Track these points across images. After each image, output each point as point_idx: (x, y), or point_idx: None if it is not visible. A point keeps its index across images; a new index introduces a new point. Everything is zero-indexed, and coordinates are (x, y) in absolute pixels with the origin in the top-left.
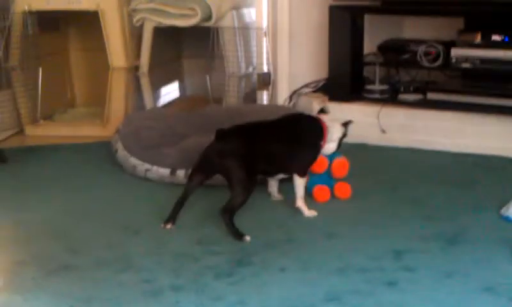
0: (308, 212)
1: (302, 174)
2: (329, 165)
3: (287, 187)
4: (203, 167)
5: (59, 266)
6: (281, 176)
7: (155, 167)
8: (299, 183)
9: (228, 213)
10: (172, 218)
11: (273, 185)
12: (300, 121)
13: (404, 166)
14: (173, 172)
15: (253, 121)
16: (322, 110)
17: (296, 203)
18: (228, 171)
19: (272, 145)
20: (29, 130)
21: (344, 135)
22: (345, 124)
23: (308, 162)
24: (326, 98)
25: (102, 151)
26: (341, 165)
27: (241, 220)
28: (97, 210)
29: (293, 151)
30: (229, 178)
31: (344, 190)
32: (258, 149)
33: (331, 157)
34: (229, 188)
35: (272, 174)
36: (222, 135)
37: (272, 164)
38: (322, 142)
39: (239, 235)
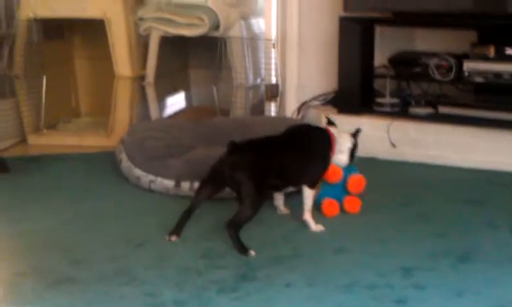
0: (315, 227)
1: (312, 186)
2: (345, 179)
3: (293, 200)
4: (213, 180)
5: (60, 278)
6: (290, 189)
7: (159, 179)
8: (308, 194)
9: (234, 227)
10: (177, 230)
11: (279, 198)
12: (308, 133)
13: (414, 182)
14: (177, 184)
15: (265, 136)
16: (331, 122)
17: (304, 215)
18: (238, 184)
19: (285, 158)
20: (32, 140)
21: (354, 145)
22: (354, 134)
23: (318, 173)
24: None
25: (106, 161)
26: (357, 182)
27: (246, 234)
28: (100, 221)
29: (304, 163)
30: (238, 191)
31: (353, 204)
32: (272, 164)
33: (348, 171)
34: (237, 201)
35: (282, 188)
36: (235, 148)
37: (283, 177)
38: (331, 153)
39: (243, 250)
